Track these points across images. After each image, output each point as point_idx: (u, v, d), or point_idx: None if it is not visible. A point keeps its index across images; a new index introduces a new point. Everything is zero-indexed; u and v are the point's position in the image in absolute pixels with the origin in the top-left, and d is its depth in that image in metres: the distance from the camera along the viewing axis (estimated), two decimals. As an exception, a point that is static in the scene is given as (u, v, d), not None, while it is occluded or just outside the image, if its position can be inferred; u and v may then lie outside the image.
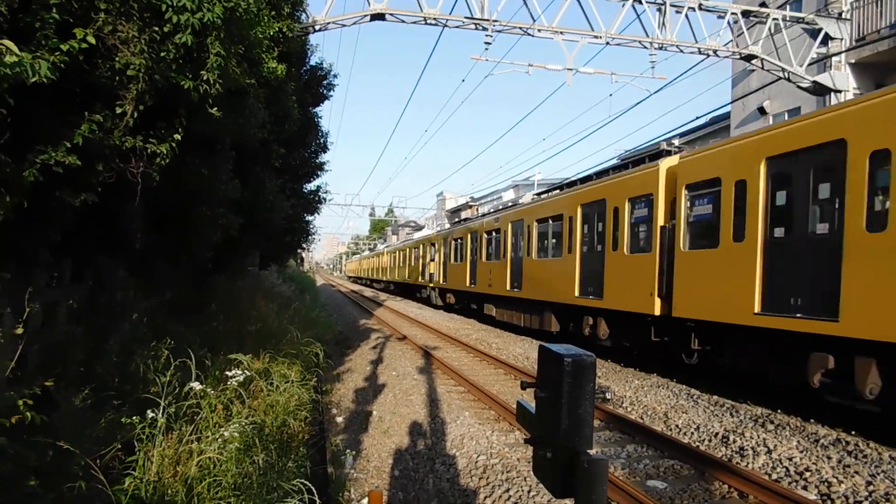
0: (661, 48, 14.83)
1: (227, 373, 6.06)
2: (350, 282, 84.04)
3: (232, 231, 8.50)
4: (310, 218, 18.10)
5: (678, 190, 10.48)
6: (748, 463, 6.56)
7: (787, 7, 16.68)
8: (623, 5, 14.51)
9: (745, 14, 15.52)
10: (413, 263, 35.82)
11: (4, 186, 3.95)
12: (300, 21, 11.58)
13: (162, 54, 4.61)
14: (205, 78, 4.91)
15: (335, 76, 15.60)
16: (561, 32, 14.41)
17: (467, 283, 23.54)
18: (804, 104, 17.53)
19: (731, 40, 15.61)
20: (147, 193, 5.44)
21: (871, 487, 5.73)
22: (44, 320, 4.86)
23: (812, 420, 8.12)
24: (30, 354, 4.34)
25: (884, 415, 7.50)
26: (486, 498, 5.77)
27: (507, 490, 5.82)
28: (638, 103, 20.25)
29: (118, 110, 4.67)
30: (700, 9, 15.03)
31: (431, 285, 30.79)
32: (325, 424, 8.17)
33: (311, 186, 17.45)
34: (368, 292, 50.86)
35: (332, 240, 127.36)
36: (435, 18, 13.71)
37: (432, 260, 30.11)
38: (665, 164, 11.02)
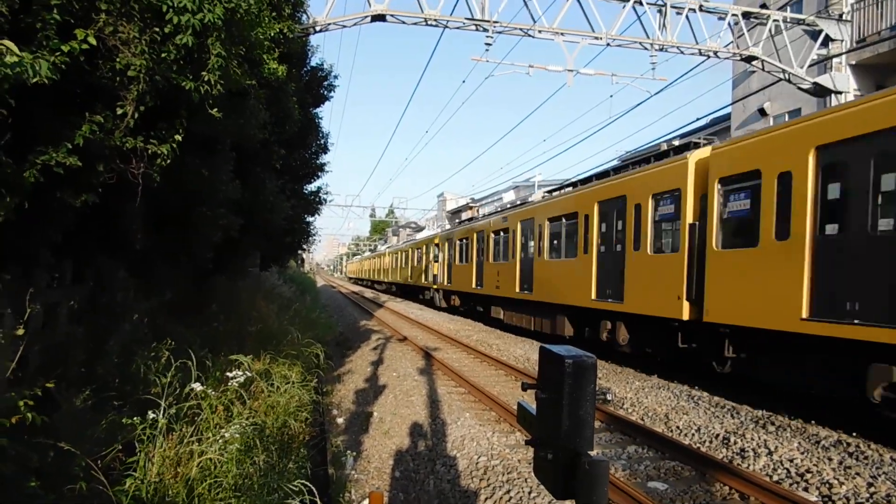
0: (661, 49, 14.84)
1: (228, 374, 6.07)
2: (351, 283, 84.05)
3: (232, 232, 8.51)
4: (310, 219, 18.13)
5: (710, 184, 9.68)
6: (749, 464, 6.55)
7: (788, 8, 16.69)
8: (624, 6, 14.52)
9: (746, 15, 15.53)
10: (415, 264, 35.26)
11: (5, 187, 3.95)
12: (301, 22, 11.60)
13: (163, 55, 4.62)
14: (205, 79, 4.92)
15: (336, 77, 15.61)
16: (561, 33, 14.42)
17: (473, 285, 22.74)
18: (805, 105, 17.55)
19: (732, 41, 15.60)
20: (147, 194, 5.45)
21: (872, 489, 5.72)
22: (44, 321, 4.86)
23: (813, 421, 8.10)
24: (31, 355, 4.34)
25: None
26: (486, 499, 5.77)
27: (508, 491, 5.82)
28: (638, 104, 20.36)
29: (119, 111, 4.68)
30: (700, 10, 15.05)
31: (435, 287, 30.15)
32: (325, 425, 8.17)
33: (311, 187, 17.48)
34: (369, 293, 50.86)
35: (333, 241, 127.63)
36: (435, 19, 13.73)
37: (436, 261, 29.57)
38: (695, 156, 10.22)
